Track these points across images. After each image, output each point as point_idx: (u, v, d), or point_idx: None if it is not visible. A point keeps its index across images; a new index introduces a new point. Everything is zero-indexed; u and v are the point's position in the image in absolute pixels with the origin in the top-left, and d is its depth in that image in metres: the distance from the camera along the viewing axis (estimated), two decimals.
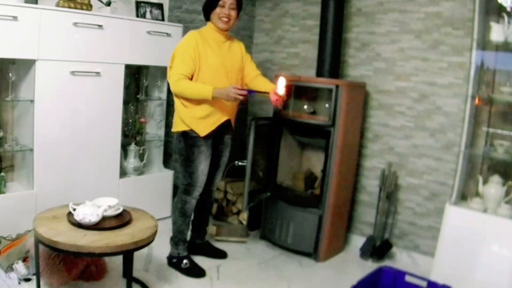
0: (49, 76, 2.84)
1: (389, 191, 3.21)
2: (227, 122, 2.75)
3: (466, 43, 2.86)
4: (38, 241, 2.15)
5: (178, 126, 2.70)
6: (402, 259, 3.26)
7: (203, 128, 2.64)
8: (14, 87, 2.90)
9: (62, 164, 2.99)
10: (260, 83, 2.80)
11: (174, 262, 2.81)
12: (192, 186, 2.73)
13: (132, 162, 3.51)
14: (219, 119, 2.68)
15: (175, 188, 3.92)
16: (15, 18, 2.61)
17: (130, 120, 3.54)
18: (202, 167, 2.71)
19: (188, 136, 2.66)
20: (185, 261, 2.78)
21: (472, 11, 2.70)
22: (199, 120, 2.64)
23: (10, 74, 2.81)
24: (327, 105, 3.05)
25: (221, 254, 3.07)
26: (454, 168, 2.86)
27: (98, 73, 3.07)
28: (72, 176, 3.05)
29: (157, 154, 3.83)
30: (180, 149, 2.72)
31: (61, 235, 2.10)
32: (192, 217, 2.92)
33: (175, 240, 2.83)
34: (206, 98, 2.54)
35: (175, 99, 2.68)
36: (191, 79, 2.60)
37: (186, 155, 2.69)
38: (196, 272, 2.77)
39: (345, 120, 3.04)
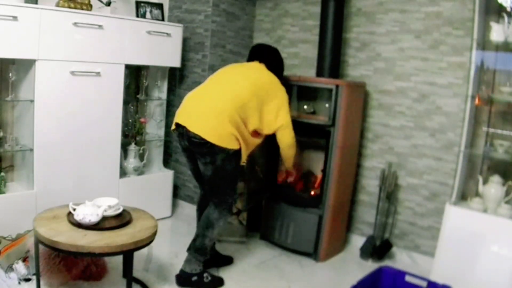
0: (49, 76, 2.84)
1: (389, 191, 3.21)
2: None
3: (466, 43, 2.86)
4: (38, 241, 2.16)
5: (233, 144, 2.51)
6: (402, 259, 3.25)
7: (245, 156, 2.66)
8: (14, 87, 2.90)
9: (62, 164, 3.00)
10: None
11: (195, 280, 2.60)
12: (234, 202, 2.70)
13: (132, 162, 3.51)
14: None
15: (175, 188, 3.93)
16: (15, 18, 2.61)
17: (130, 120, 3.54)
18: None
19: (238, 154, 2.56)
20: (205, 274, 2.64)
21: (472, 11, 2.70)
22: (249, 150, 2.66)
23: (10, 74, 2.82)
24: (327, 105, 3.05)
25: (227, 261, 2.98)
26: (454, 168, 2.86)
27: (98, 73, 3.07)
28: (72, 176, 3.05)
29: (157, 154, 3.83)
30: (231, 169, 2.56)
31: (61, 235, 2.10)
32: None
33: (202, 258, 2.63)
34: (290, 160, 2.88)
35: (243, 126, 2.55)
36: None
37: (235, 174, 2.61)
38: (219, 282, 2.69)
39: (345, 120, 3.04)
